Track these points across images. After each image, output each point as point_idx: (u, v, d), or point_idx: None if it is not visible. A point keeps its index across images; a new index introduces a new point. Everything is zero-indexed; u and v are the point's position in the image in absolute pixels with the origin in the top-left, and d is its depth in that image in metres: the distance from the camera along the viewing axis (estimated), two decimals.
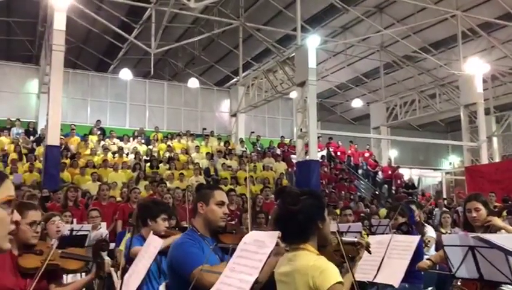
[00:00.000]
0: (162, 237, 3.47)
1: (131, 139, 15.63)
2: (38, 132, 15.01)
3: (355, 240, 2.83)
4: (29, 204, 3.02)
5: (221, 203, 2.99)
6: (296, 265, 2.19)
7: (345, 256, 2.41)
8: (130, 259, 3.34)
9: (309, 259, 2.15)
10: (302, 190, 2.34)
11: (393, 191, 16.85)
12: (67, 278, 3.85)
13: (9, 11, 16.65)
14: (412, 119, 20.46)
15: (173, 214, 4.36)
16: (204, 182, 12.21)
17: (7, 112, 15.55)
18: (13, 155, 12.47)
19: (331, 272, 2.07)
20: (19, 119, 14.92)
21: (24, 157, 12.69)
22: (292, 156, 16.43)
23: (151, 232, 3.57)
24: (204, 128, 18.16)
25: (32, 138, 14.52)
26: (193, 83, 18.35)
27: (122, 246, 4.42)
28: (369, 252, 2.75)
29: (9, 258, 2.74)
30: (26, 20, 17.20)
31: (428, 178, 23.13)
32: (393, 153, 21.17)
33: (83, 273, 4.26)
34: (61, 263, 2.96)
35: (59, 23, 11.93)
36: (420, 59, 18.80)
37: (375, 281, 3.64)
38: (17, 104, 16.42)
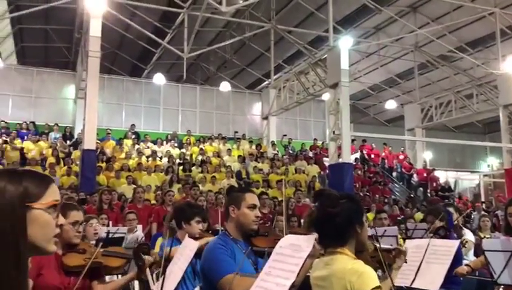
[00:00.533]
0: (196, 239, 3.48)
1: (164, 142, 15.86)
2: (75, 136, 15.39)
3: (393, 247, 2.79)
4: (71, 205, 3.11)
5: (252, 207, 2.97)
6: (333, 269, 2.16)
7: (383, 263, 2.36)
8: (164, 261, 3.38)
9: (346, 263, 2.12)
10: (341, 193, 2.31)
11: (429, 194, 16.47)
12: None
13: (47, 19, 17.18)
14: (448, 121, 19.97)
15: (206, 217, 4.37)
16: (236, 185, 12.25)
17: (45, 117, 16.02)
18: (51, 159, 12.82)
19: (370, 276, 2.04)
20: (57, 124, 15.33)
21: (61, 161, 13.03)
22: (325, 158, 16.29)
23: (186, 235, 3.59)
24: (236, 132, 18.25)
25: (69, 142, 14.89)
26: (225, 86, 18.47)
27: (157, 248, 4.48)
28: (405, 261, 2.71)
29: (54, 257, 2.82)
30: (63, 28, 17.73)
31: (465, 181, 22.55)
32: (428, 155, 20.73)
33: (119, 275, 4.33)
34: (104, 261, 3.03)
35: (95, 30, 12.23)
36: (456, 59, 18.36)
37: (413, 286, 3.56)
38: (54, 110, 16.88)
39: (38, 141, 14.10)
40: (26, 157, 12.88)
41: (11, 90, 16.55)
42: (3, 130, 14.24)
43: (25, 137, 14.15)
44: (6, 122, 15.00)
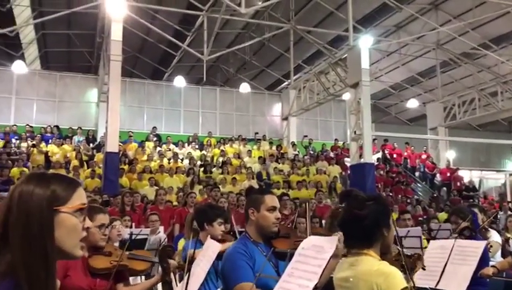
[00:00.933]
0: (218, 241, 3.49)
1: (185, 144, 15.97)
2: (98, 140, 15.61)
3: (414, 254, 2.78)
4: (97, 208, 3.14)
5: (272, 209, 2.94)
6: (358, 270, 2.13)
7: (405, 267, 2.35)
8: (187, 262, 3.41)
9: (372, 264, 2.09)
10: (368, 194, 2.28)
11: (453, 194, 16.21)
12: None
13: (69, 24, 17.48)
14: (472, 119, 19.62)
15: (228, 219, 4.39)
16: (257, 186, 12.26)
17: (69, 121, 16.30)
18: (75, 162, 13.02)
19: (397, 277, 2.01)
20: (80, 128, 15.59)
21: (85, 164, 13.23)
22: (346, 159, 16.18)
23: (208, 236, 3.61)
24: (257, 133, 18.26)
25: (92, 145, 15.11)
26: (244, 88, 18.51)
27: (179, 249, 4.51)
28: (423, 268, 2.69)
29: (81, 259, 2.85)
30: (85, 32, 18.01)
31: (490, 180, 22.11)
32: (451, 155, 20.38)
33: (143, 277, 4.37)
34: (129, 264, 3.08)
35: (116, 34, 12.39)
36: (479, 56, 18.03)
37: (437, 287, 3.50)
38: (78, 113, 17.16)
39: (63, 144, 14.35)
40: (51, 161, 13.12)
41: (35, 94, 16.89)
42: (28, 134, 14.53)
43: (50, 141, 14.42)
44: (31, 126, 15.30)
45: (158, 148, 15.13)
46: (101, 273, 2.90)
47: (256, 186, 12.20)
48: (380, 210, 2.21)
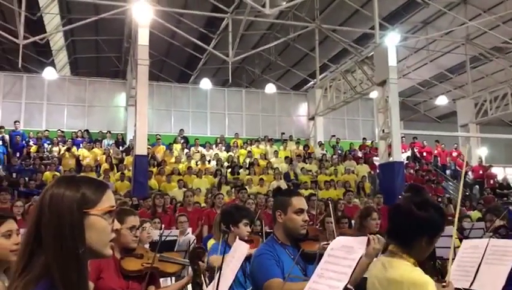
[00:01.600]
0: (246, 241, 3.49)
1: (213, 146, 16.07)
2: (127, 143, 15.85)
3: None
4: (128, 210, 3.20)
5: (300, 211, 2.89)
6: (391, 273, 2.08)
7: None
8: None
9: (405, 269, 2.04)
10: (434, 203, 2.22)
11: (486, 192, 15.81)
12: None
13: (97, 30, 17.83)
14: (504, 115, 19.05)
15: (254, 220, 4.38)
16: (285, 187, 12.22)
17: (99, 125, 16.62)
18: (105, 165, 13.26)
19: (428, 287, 1.96)
20: (109, 132, 15.87)
21: (115, 167, 13.45)
22: (374, 158, 15.98)
23: (237, 237, 3.61)
24: (283, 133, 18.22)
25: (121, 148, 15.36)
26: (270, 88, 18.50)
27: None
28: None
29: (113, 261, 2.91)
30: (112, 38, 18.34)
31: None
32: (483, 152, 19.89)
33: (173, 278, 4.40)
34: (160, 266, 3.10)
35: (143, 39, 12.58)
36: (511, 50, 17.53)
37: (471, 288, 3.41)
38: (107, 117, 17.48)
39: (93, 148, 14.62)
40: (82, 164, 13.40)
41: (65, 100, 17.28)
42: (59, 139, 14.87)
43: (80, 145, 14.72)
44: (62, 131, 15.66)
45: (185, 150, 15.26)
46: (133, 275, 2.93)
47: (284, 186, 12.18)
48: (435, 221, 2.13)
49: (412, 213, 2.11)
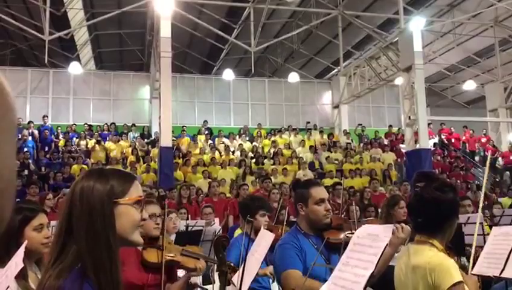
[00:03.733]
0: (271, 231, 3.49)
1: (236, 137, 16.10)
2: (152, 135, 16.02)
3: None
4: (146, 200, 3.21)
5: (321, 201, 2.89)
6: (416, 260, 2.06)
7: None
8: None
9: (429, 255, 2.02)
10: (445, 181, 2.20)
11: None
12: None
13: (120, 24, 17.99)
14: None
15: (271, 209, 4.39)
16: (311, 176, 12.17)
17: (124, 118, 16.82)
18: (131, 158, 13.44)
19: (452, 271, 1.92)
20: (134, 124, 16.05)
21: (141, 159, 13.62)
22: (401, 145, 15.75)
23: (262, 226, 3.62)
24: (308, 122, 18.11)
25: (147, 140, 15.53)
26: (293, 77, 18.37)
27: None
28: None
29: (135, 252, 2.92)
30: (135, 31, 18.48)
31: None
32: None
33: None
34: (182, 260, 3.07)
35: (165, 31, 12.63)
36: None
37: (502, 276, 3.33)
38: (132, 110, 17.68)
39: (119, 141, 14.83)
40: (109, 157, 13.61)
41: (91, 94, 17.54)
42: (86, 132, 15.13)
43: (107, 138, 14.95)
44: (89, 125, 15.92)
45: (209, 142, 15.34)
46: (154, 267, 2.90)
47: (310, 175, 12.14)
48: (456, 201, 2.12)
49: (439, 199, 2.07)
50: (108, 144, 14.49)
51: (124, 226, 1.37)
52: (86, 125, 15.83)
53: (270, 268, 3.42)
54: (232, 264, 3.14)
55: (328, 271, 2.56)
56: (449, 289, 1.88)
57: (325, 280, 2.31)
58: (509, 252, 3.37)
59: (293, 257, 2.78)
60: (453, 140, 17.46)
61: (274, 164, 13.56)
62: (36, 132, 14.48)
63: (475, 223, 4.95)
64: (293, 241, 2.88)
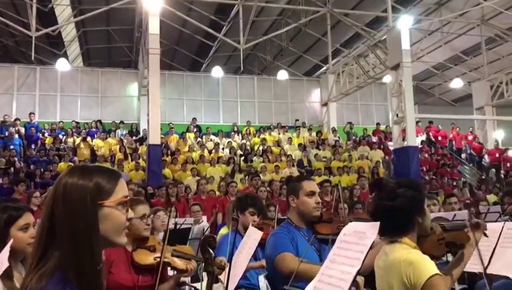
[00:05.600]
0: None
1: (227, 134, 16.11)
2: (141, 132, 15.94)
3: (467, 223, 2.66)
4: (137, 200, 3.23)
5: (311, 193, 2.97)
6: (389, 259, 2.10)
7: (454, 243, 2.28)
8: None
9: (402, 253, 2.05)
10: (399, 181, 2.20)
11: (503, 176, 15.61)
12: None
13: (108, 21, 17.86)
14: None
15: (262, 209, 4.37)
16: (298, 174, 12.21)
17: (112, 115, 16.70)
18: (119, 155, 13.37)
19: (425, 265, 1.95)
20: (122, 122, 15.95)
21: (129, 156, 13.55)
22: (389, 143, 15.86)
23: (250, 224, 3.63)
24: (297, 120, 18.15)
25: (135, 138, 15.44)
26: (282, 75, 18.39)
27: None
28: (485, 234, 2.58)
29: (125, 253, 2.89)
30: (124, 28, 18.35)
31: None
32: (500, 135, 19.62)
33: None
34: (173, 261, 3.03)
35: (153, 28, 12.57)
36: None
37: (487, 272, 3.38)
38: (120, 107, 17.55)
39: (107, 138, 14.73)
40: (96, 155, 13.53)
41: (78, 91, 17.37)
42: (74, 130, 15.01)
43: (94, 135, 14.84)
44: (76, 122, 15.80)
45: (198, 139, 15.31)
46: (144, 269, 2.88)
47: (297, 173, 12.18)
48: (412, 197, 2.13)
49: (389, 208, 2.10)
50: (96, 142, 14.39)
51: (108, 229, 1.31)
52: (73, 122, 15.70)
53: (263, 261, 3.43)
54: (223, 260, 3.12)
55: (319, 263, 2.60)
56: (427, 281, 1.91)
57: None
58: (494, 249, 3.43)
59: (285, 243, 2.84)
60: (440, 138, 17.62)
61: (263, 161, 13.57)
62: (23, 129, 14.33)
63: (461, 220, 5.02)
64: (284, 231, 2.93)
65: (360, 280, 2.64)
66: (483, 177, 15.63)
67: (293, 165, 13.27)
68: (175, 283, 3.07)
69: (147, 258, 2.92)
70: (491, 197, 11.13)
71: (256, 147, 15.23)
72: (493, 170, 16.52)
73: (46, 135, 14.72)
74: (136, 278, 2.86)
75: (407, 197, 2.11)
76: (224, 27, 17.38)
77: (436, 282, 1.91)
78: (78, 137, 14.44)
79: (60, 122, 15.66)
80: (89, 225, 1.27)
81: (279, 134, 16.44)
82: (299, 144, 15.34)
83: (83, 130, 15.08)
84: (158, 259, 2.88)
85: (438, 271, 1.94)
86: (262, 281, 3.13)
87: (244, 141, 15.77)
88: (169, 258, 3.00)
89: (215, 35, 16.47)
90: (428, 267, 1.94)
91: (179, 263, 3.05)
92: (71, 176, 1.31)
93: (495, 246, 3.43)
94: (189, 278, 4.40)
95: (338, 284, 2.11)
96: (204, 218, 7.51)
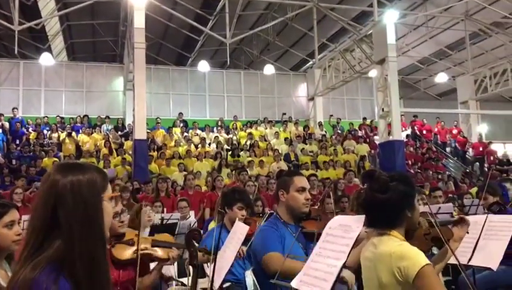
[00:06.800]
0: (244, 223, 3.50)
1: (213, 129, 16.06)
2: (126, 127, 15.82)
3: (453, 219, 2.70)
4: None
5: (301, 189, 2.97)
6: (378, 251, 2.12)
7: (442, 238, 2.30)
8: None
9: (391, 246, 2.07)
10: (391, 174, 2.21)
11: (492, 169, 15.82)
12: None
13: (93, 14, 17.66)
14: (504, 91, 18.96)
15: (250, 204, 4.36)
16: (286, 168, 12.25)
17: (97, 110, 16.55)
18: (104, 150, 13.26)
19: (416, 257, 1.97)
20: (108, 117, 15.81)
21: (115, 151, 13.45)
22: (375, 137, 15.97)
23: (237, 219, 3.63)
24: (284, 113, 18.17)
25: (120, 133, 15.33)
26: (269, 69, 18.38)
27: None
28: (467, 232, 2.63)
29: None
30: (109, 22, 18.17)
31: None
32: (483, 129, 19.86)
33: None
34: (153, 252, 3.02)
35: (139, 22, 12.46)
36: (511, 25, 17.36)
37: (470, 264, 3.44)
38: (105, 102, 17.40)
39: (92, 133, 14.59)
40: (81, 150, 13.40)
41: (63, 86, 17.17)
42: (59, 125, 14.85)
43: (79, 130, 14.70)
44: (61, 117, 15.62)
45: (185, 134, 15.25)
46: (124, 263, 2.85)
47: (284, 168, 12.22)
48: (404, 191, 2.14)
49: (380, 201, 2.12)
50: (81, 137, 14.25)
51: (105, 221, 1.41)
52: (58, 117, 15.52)
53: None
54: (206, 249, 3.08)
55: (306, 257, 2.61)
56: (419, 272, 1.93)
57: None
58: (477, 241, 3.49)
59: (273, 240, 2.83)
60: (425, 132, 17.79)
61: (250, 156, 13.57)
62: (7, 124, 14.14)
63: (446, 213, 5.09)
64: (273, 227, 2.93)
65: (351, 276, 2.67)
66: (467, 170, 15.83)
67: (281, 160, 13.30)
68: (158, 272, 3.06)
69: (126, 252, 2.89)
70: (475, 190, 11.26)
71: (243, 142, 15.23)
72: (477, 163, 16.74)
73: (30, 130, 14.54)
74: (116, 274, 2.82)
75: (399, 191, 2.13)
76: (211, 21, 17.30)
77: (428, 272, 1.93)
78: (62, 132, 14.27)
79: (44, 117, 15.48)
80: (99, 214, 1.36)
81: (266, 128, 16.45)
82: (286, 139, 15.38)
83: (67, 125, 14.92)
84: (137, 252, 2.84)
85: (428, 261, 1.97)
86: (249, 277, 3.14)
87: (230, 135, 15.75)
88: (150, 249, 2.99)
89: (201, 30, 16.39)
90: (419, 258, 1.97)
91: (160, 252, 3.04)
92: (74, 174, 1.37)
93: (478, 239, 3.49)
94: (176, 273, 4.41)
95: (324, 277, 2.13)
96: (192, 213, 7.51)
